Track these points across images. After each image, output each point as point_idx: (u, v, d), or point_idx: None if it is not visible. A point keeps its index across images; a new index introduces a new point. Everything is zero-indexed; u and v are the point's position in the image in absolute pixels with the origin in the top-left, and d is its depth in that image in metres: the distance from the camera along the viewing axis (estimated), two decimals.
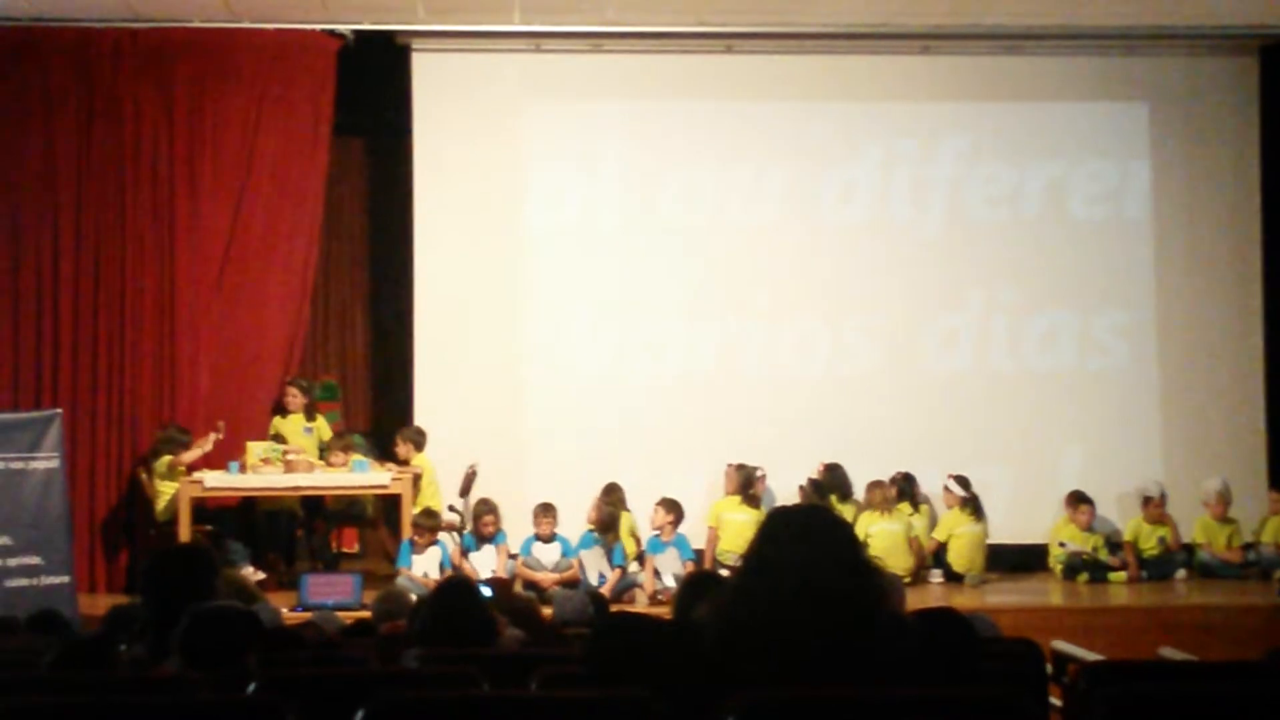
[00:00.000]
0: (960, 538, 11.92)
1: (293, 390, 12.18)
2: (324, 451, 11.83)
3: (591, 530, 11.44)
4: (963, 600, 10.70)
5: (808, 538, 3.39)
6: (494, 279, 12.63)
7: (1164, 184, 12.97)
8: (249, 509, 11.98)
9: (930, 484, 12.27)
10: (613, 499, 11.66)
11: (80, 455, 11.71)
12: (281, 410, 12.18)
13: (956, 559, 11.89)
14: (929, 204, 12.87)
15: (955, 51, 12.85)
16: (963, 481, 12.09)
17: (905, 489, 12.13)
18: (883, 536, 11.51)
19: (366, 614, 8.09)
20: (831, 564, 3.32)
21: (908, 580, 10.89)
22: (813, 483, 12.06)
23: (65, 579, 10.39)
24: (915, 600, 8.98)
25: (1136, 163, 12.97)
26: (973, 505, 12.01)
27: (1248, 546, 12.23)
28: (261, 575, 11.36)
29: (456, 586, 6.10)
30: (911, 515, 11.97)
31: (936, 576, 11.88)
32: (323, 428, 12.21)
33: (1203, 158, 13.01)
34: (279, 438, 11.88)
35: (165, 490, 11.33)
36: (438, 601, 5.76)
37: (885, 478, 12.04)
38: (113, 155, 12.06)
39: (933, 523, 12.16)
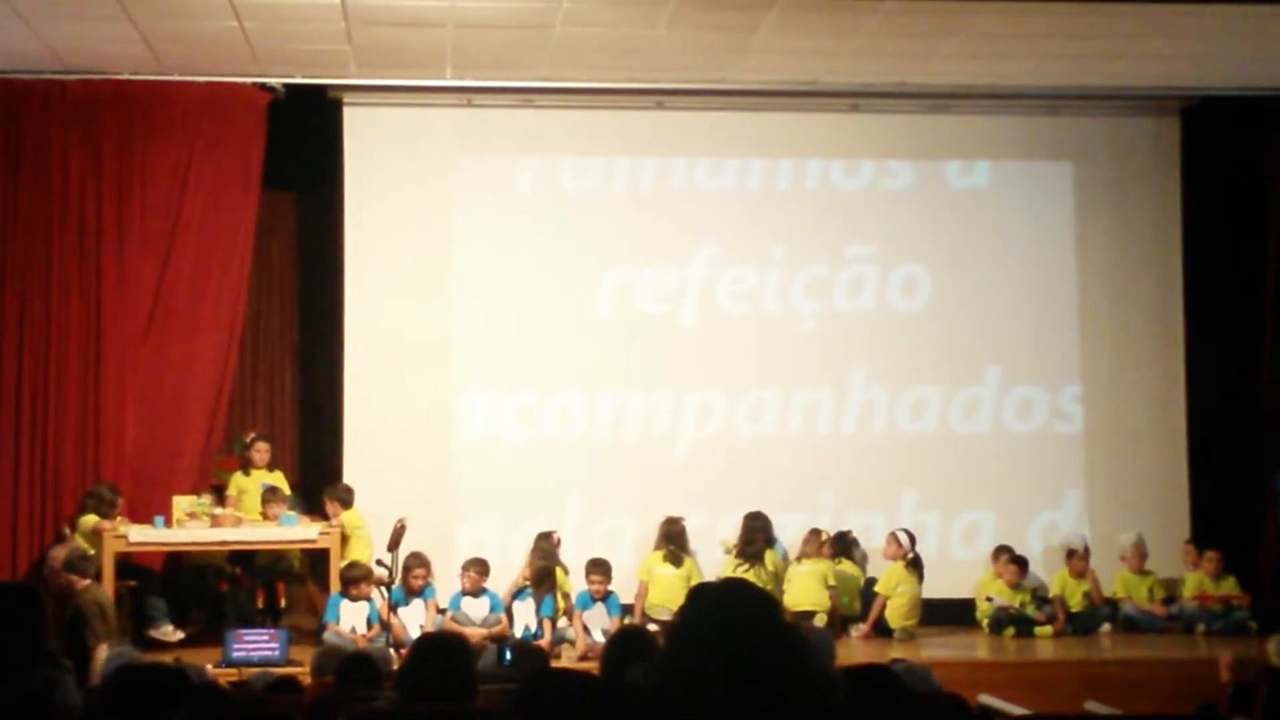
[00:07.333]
0: (902, 596, 11.96)
1: (262, 445, 12.11)
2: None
3: (526, 585, 11.38)
4: (898, 653, 10.72)
5: (729, 608, 3.46)
6: (424, 334, 12.59)
7: (1088, 243, 13.13)
8: (175, 564, 11.82)
9: (863, 539, 12.35)
10: (545, 548, 11.62)
11: (1, 507, 11.56)
12: (247, 465, 12.08)
13: (894, 615, 11.91)
14: (856, 260, 12.95)
15: (884, 110, 12.98)
16: (911, 537, 12.16)
17: (840, 547, 12.20)
18: (802, 577, 11.80)
19: (292, 670, 8.02)
20: (754, 631, 3.38)
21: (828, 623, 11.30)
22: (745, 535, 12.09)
23: None
24: (844, 655, 9.01)
25: (1061, 222, 13.13)
26: (915, 564, 12.07)
27: (1169, 600, 12.36)
28: (180, 634, 11.22)
29: (439, 642, 6.08)
30: (838, 565, 12.01)
31: (858, 630, 11.92)
32: (280, 481, 12.07)
33: (1126, 217, 13.19)
34: (224, 493, 11.75)
35: (88, 549, 11.14)
36: (419, 655, 5.76)
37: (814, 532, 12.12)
38: (40, 206, 11.93)
39: (868, 580, 12.21)
